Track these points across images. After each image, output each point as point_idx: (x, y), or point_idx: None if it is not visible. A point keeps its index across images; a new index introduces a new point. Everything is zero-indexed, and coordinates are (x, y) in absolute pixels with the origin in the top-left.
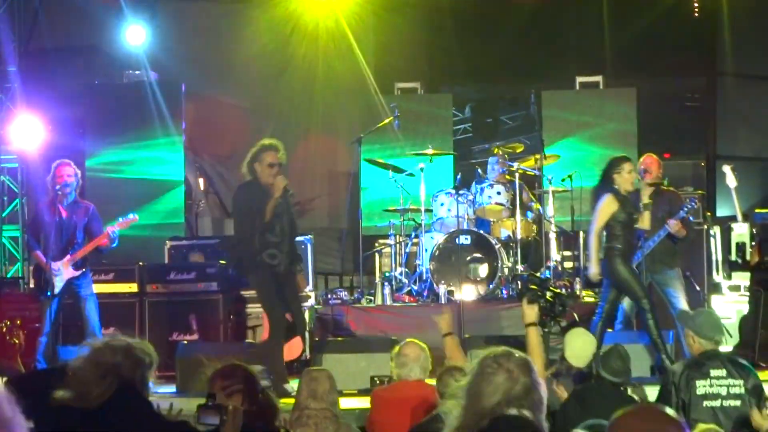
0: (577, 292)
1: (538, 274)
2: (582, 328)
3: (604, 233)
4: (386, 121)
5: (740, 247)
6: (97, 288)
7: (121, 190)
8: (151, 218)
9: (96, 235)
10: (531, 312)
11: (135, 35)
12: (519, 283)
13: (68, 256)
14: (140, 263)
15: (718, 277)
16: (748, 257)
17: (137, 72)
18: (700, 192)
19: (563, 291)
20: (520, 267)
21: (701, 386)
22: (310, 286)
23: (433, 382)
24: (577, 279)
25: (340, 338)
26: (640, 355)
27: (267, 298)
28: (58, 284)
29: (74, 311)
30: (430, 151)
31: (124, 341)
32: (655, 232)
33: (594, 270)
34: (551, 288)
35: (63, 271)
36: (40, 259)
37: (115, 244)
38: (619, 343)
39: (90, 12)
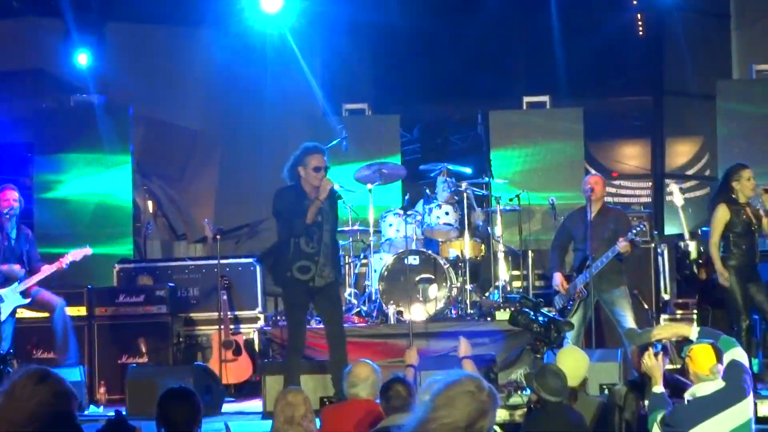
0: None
1: (531, 299)
2: (574, 347)
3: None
4: (334, 142)
5: (688, 265)
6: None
7: (69, 213)
8: (99, 241)
9: (34, 261)
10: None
11: (81, 59)
12: (510, 304)
13: (17, 284)
14: (88, 286)
15: (666, 295)
16: (696, 275)
17: (84, 95)
18: (645, 213)
19: (557, 318)
20: (469, 287)
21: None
22: (259, 308)
23: None
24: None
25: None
26: (589, 374)
27: (289, 317)
28: (5, 310)
29: None
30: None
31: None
32: (603, 253)
33: (722, 278)
34: (545, 313)
35: (10, 298)
36: None
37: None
38: (550, 362)
39: (36, 36)
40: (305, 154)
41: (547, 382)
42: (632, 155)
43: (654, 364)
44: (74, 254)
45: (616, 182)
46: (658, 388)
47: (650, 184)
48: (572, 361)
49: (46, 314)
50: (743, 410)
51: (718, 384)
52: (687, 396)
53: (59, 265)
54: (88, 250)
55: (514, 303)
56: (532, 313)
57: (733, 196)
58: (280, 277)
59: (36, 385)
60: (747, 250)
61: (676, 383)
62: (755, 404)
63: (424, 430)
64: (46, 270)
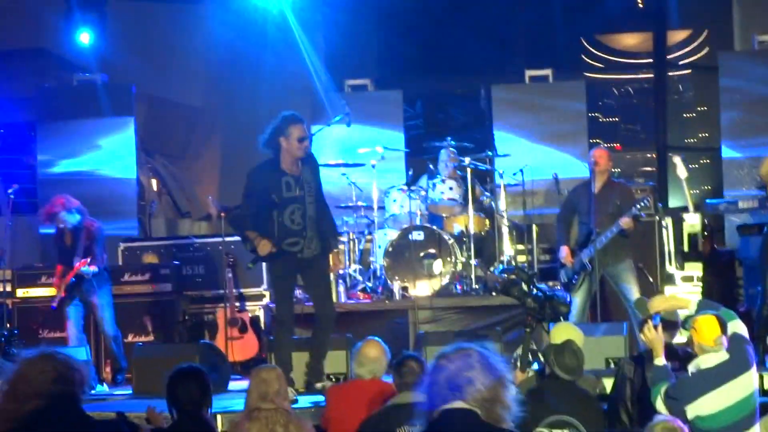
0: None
1: (526, 271)
2: (567, 322)
3: None
4: (336, 118)
5: (692, 237)
6: (53, 291)
7: (73, 192)
8: (103, 219)
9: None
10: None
11: (84, 38)
12: (504, 276)
13: None
14: None
15: (671, 268)
16: (700, 247)
17: (87, 74)
18: (649, 186)
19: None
20: (473, 262)
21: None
22: (265, 285)
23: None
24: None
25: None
26: (595, 348)
27: (276, 290)
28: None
29: None
30: (380, 149)
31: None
32: (607, 227)
33: None
34: (541, 288)
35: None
36: None
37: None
38: (572, 339)
39: (38, 15)
40: (287, 124)
41: (564, 359)
42: (635, 127)
43: (654, 337)
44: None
45: (619, 155)
46: (660, 360)
47: (654, 156)
48: (565, 337)
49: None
50: (747, 382)
51: (722, 356)
52: (691, 368)
53: (74, 270)
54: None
55: (508, 273)
56: (525, 286)
57: None
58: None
59: (43, 364)
60: None
61: (688, 356)
62: (761, 377)
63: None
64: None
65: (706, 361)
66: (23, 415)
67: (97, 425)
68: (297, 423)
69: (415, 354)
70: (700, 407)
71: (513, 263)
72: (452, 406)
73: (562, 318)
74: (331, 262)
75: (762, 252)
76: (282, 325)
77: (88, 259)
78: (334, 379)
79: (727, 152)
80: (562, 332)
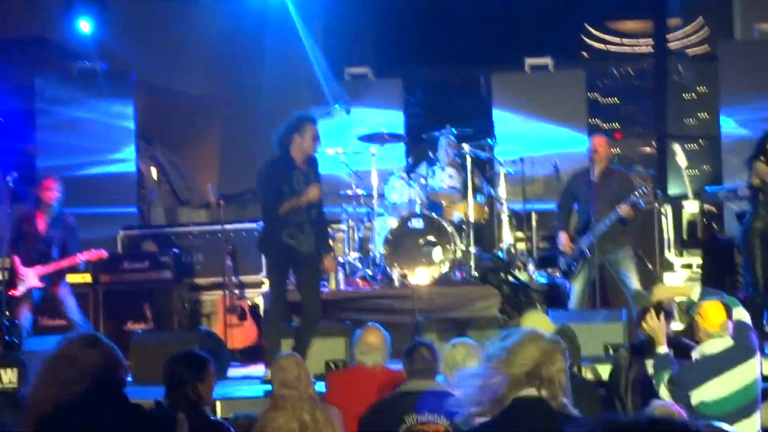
0: (531, 273)
1: (503, 258)
2: (538, 311)
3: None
4: (336, 106)
5: (691, 225)
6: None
7: (72, 181)
8: (103, 207)
9: (70, 250)
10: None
11: (83, 27)
12: (482, 264)
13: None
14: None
15: (670, 255)
16: (699, 235)
17: (87, 63)
18: (649, 174)
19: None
20: (473, 249)
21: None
22: (264, 272)
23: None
24: (530, 260)
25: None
26: (594, 335)
27: (271, 280)
28: (21, 288)
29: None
30: (383, 132)
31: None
32: (606, 214)
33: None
34: (517, 277)
35: (30, 278)
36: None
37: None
38: (566, 324)
39: (38, 3)
40: (304, 122)
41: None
42: (635, 116)
43: (656, 325)
44: (90, 254)
45: (619, 143)
46: (663, 348)
47: (654, 144)
48: (533, 324)
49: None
50: (751, 369)
51: (727, 342)
52: (695, 355)
53: (73, 261)
54: (103, 254)
55: (487, 262)
56: (502, 274)
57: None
58: (267, 241)
59: (88, 347)
60: None
61: (680, 345)
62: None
63: (489, 383)
64: (63, 263)
65: (710, 347)
66: (68, 398)
67: (146, 412)
68: (323, 410)
69: (427, 342)
70: (705, 393)
71: (512, 251)
72: (526, 394)
73: (538, 306)
74: (326, 264)
75: (744, 242)
76: (274, 314)
77: (90, 251)
78: (333, 366)
79: (726, 139)
80: (530, 321)
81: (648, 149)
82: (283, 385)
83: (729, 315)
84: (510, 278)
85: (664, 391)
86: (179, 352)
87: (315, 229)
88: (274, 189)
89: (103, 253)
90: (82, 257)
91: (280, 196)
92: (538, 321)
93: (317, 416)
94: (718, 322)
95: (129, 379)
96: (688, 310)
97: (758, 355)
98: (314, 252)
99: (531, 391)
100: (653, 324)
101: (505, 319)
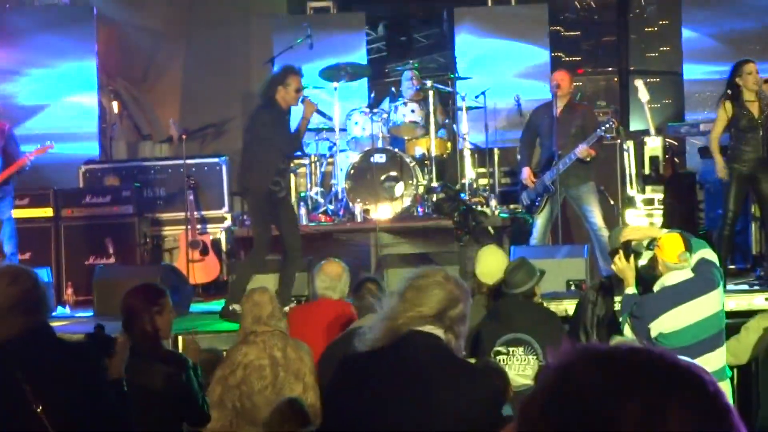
0: (493, 209)
1: (453, 187)
2: (494, 245)
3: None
4: (299, 41)
5: (654, 160)
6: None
7: (32, 114)
8: (64, 142)
9: (14, 157)
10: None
11: None
12: (434, 195)
13: None
14: (54, 188)
15: (632, 191)
16: (661, 171)
17: None
18: (611, 109)
19: (477, 207)
20: (435, 185)
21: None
22: (226, 208)
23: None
24: (492, 195)
25: None
26: (556, 270)
27: (259, 221)
28: None
29: None
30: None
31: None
32: (570, 150)
33: (720, 172)
34: (465, 202)
35: None
36: None
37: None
38: (523, 257)
39: None
40: (288, 74)
41: (512, 276)
42: (597, 51)
43: (625, 266)
44: (38, 150)
45: (581, 78)
46: (630, 289)
47: (616, 80)
48: (491, 259)
49: None
50: (712, 302)
51: (687, 273)
52: (655, 287)
53: (21, 164)
54: (51, 145)
55: (437, 193)
56: (452, 202)
57: (738, 92)
58: (254, 188)
59: (8, 286)
60: (755, 145)
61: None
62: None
63: (394, 325)
64: (16, 166)
65: (669, 278)
66: None
67: (72, 343)
68: (294, 345)
69: (373, 276)
70: (663, 324)
71: (474, 186)
72: (423, 329)
73: (489, 229)
74: None
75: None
76: (261, 251)
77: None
78: (295, 302)
79: (689, 74)
80: (486, 255)
81: (611, 84)
82: (256, 321)
83: (687, 246)
84: (460, 205)
85: (628, 331)
86: (137, 285)
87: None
88: (267, 134)
89: (51, 146)
90: (30, 157)
91: (271, 143)
92: (491, 255)
93: (288, 352)
94: (676, 253)
95: (91, 312)
96: (649, 245)
97: (721, 290)
98: (288, 193)
99: (429, 328)
100: (621, 265)
101: (461, 245)
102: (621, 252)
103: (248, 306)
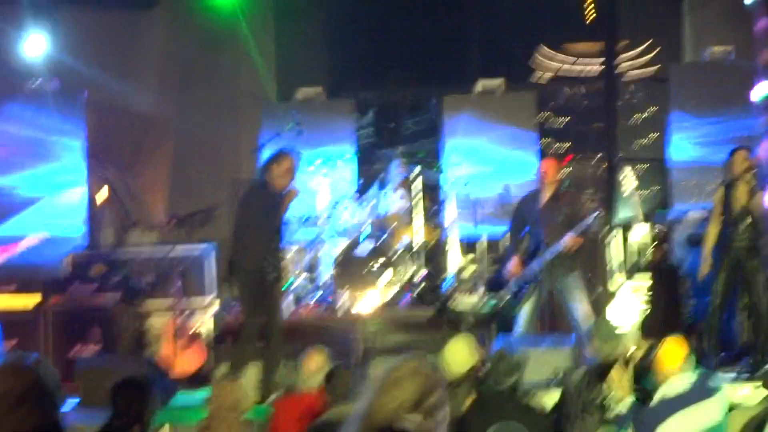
0: (480, 296)
1: (436, 276)
2: (462, 336)
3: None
4: (288, 127)
5: (641, 248)
6: None
7: (23, 200)
8: (53, 228)
9: None
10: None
11: (34, 45)
12: (418, 287)
13: None
14: (41, 276)
15: (620, 278)
16: (649, 258)
17: (38, 80)
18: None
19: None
20: (421, 272)
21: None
22: (213, 295)
23: None
24: (480, 282)
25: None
26: (541, 359)
27: (248, 303)
28: None
29: None
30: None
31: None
32: (557, 238)
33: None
34: (441, 297)
35: None
36: None
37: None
38: (503, 348)
39: None
40: (282, 155)
41: (496, 367)
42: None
43: (621, 381)
44: (29, 241)
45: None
46: (624, 405)
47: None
48: (457, 347)
49: None
50: (713, 409)
51: (689, 380)
52: (656, 396)
53: (10, 253)
54: (43, 234)
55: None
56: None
57: (731, 177)
58: (243, 269)
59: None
60: (743, 230)
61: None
62: None
63: (373, 419)
64: None
65: (669, 388)
66: None
67: None
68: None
69: (344, 364)
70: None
71: (462, 274)
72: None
73: (470, 319)
74: None
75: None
76: (252, 332)
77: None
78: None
79: (677, 161)
80: (454, 344)
81: (599, 170)
82: (219, 408)
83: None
84: (441, 296)
85: None
86: (124, 378)
87: (280, 254)
88: (255, 214)
89: (43, 234)
90: (20, 247)
91: (260, 222)
92: (458, 348)
93: None
94: (678, 363)
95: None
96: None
97: (721, 395)
98: (278, 276)
99: (410, 417)
100: (620, 381)
101: (441, 338)
102: (619, 367)
103: (215, 393)
